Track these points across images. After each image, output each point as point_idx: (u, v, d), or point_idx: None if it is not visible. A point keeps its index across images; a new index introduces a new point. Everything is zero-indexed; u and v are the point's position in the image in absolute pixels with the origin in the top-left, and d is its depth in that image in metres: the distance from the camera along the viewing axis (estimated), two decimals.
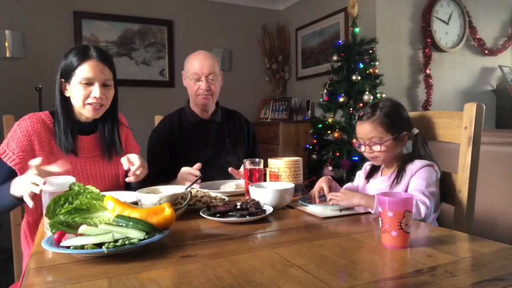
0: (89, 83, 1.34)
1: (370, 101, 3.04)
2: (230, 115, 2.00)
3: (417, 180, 1.22)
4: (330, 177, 1.38)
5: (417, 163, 1.26)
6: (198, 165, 1.51)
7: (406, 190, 1.25)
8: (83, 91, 1.34)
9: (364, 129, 1.32)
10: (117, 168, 1.51)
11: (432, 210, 1.17)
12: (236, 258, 0.79)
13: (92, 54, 1.35)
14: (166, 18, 4.16)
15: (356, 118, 1.40)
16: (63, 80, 1.37)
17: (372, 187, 1.38)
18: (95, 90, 1.34)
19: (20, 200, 1.17)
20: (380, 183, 1.35)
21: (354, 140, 1.41)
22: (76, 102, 1.37)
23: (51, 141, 1.37)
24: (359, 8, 3.23)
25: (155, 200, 1.08)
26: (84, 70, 1.33)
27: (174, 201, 1.09)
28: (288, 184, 1.29)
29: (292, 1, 4.59)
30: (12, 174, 1.27)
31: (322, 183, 1.32)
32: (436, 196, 1.22)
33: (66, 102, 1.39)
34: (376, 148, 1.30)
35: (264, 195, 1.20)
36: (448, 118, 1.37)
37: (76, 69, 1.33)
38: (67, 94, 1.38)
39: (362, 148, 1.34)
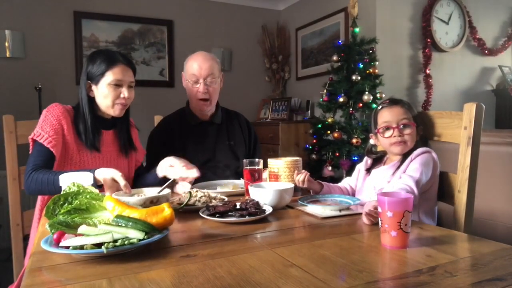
0: (119, 85, 1.47)
1: (370, 101, 3.04)
2: (230, 116, 1.98)
3: (414, 165, 1.27)
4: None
5: (418, 150, 1.31)
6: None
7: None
8: (114, 92, 1.47)
9: (395, 112, 1.35)
10: (129, 163, 1.64)
11: (418, 197, 1.19)
12: (236, 258, 0.79)
13: (119, 58, 1.49)
14: (166, 18, 4.16)
15: (379, 107, 1.42)
16: (89, 81, 1.48)
17: (375, 177, 1.40)
18: (125, 91, 1.49)
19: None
20: (383, 172, 1.37)
21: (376, 130, 1.41)
22: (105, 102, 1.48)
23: (74, 132, 1.47)
24: (359, 8, 3.23)
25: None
26: (114, 73, 1.46)
27: (143, 205, 1.06)
28: (287, 184, 1.29)
29: (292, 1, 4.59)
30: (51, 155, 1.38)
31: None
32: (424, 182, 1.25)
33: (92, 102, 1.50)
34: (408, 130, 1.33)
35: (264, 195, 1.20)
36: (448, 118, 1.37)
37: (106, 72, 1.45)
38: (92, 95, 1.50)
39: (389, 133, 1.35)
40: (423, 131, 1.41)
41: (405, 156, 1.34)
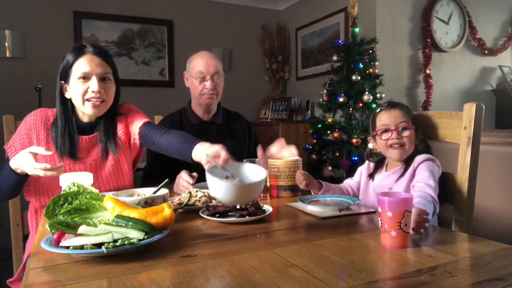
0: (86, 77, 1.32)
1: (370, 101, 3.04)
2: (231, 116, 1.99)
3: (423, 172, 1.23)
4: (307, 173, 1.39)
5: (420, 156, 1.29)
6: (194, 174, 1.50)
7: (408, 183, 1.26)
8: (81, 86, 1.32)
9: (393, 114, 1.34)
10: (118, 166, 1.47)
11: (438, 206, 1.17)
12: (236, 258, 0.79)
13: (88, 49, 1.34)
14: (166, 18, 4.16)
15: (377, 110, 1.41)
16: (62, 82, 1.37)
17: (377, 183, 1.39)
18: (93, 84, 1.32)
19: (21, 176, 1.25)
20: (384, 179, 1.36)
21: (374, 133, 1.39)
22: (76, 100, 1.35)
23: (49, 140, 1.37)
24: (359, 8, 3.23)
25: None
26: (80, 65, 1.32)
27: (138, 206, 1.06)
28: (258, 173, 1.12)
29: (292, 1, 4.59)
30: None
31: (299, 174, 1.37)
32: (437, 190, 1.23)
33: (66, 104, 1.39)
34: (406, 133, 1.32)
35: (217, 189, 1.01)
36: (448, 118, 1.37)
37: (72, 66, 1.32)
38: (68, 95, 1.38)
39: (387, 135, 1.33)
40: (423, 136, 1.38)
41: (407, 162, 1.31)
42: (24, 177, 1.27)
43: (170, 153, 1.41)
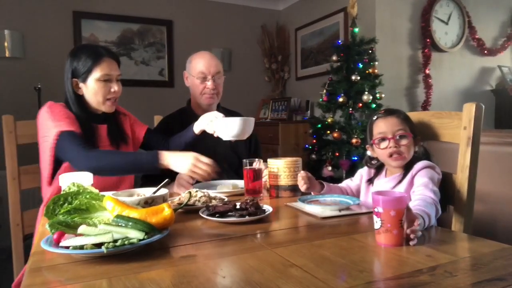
0: (108, 80, 1.45)
1: (369, 101, 3.04)
2: (231, 116, 1.99)
3: (422, 178, 1.21)
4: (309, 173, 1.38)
5: (420, 163, 1.26)
6: None
7: (407, 189, 1.25)
8: (104, 87, 1.45)
9: (390, 122, 1.31)
10: None
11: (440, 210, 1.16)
12: (236, 258, 0.79)
13: (104, 52, 1.46)
14: (166, 18, 4.16)
15: (374, 118, 1.37)
16: (75, 79, 1.45)
17: (376, 188, 1.37)
18: (114, 86, 1.47)
19: (158, 170, 1.36)
20: (383, 184, 1.34)
21: (371, 141, 1.36)
22: (96, 99, 1.46)
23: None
24: (358, 8, 3.24)
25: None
26: (102, 68, 1.43)
27: (138, 206, 1.06)
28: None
29: (292, 1, 4.59)
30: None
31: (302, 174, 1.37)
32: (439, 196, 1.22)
33: (81, 100, 1.48)
34: (404, 141, 1.28)
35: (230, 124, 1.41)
36: (447, 118, 1.36)
37: (93, 68, 1.42)
38: (81, 92, 1.47)
39: (384, 144, 1.30)
40: (422, 142, 1.36)
41: (406, 169, 1.29)
42: (156, 170, 1.37)
43: (175, 141, 1.66)
